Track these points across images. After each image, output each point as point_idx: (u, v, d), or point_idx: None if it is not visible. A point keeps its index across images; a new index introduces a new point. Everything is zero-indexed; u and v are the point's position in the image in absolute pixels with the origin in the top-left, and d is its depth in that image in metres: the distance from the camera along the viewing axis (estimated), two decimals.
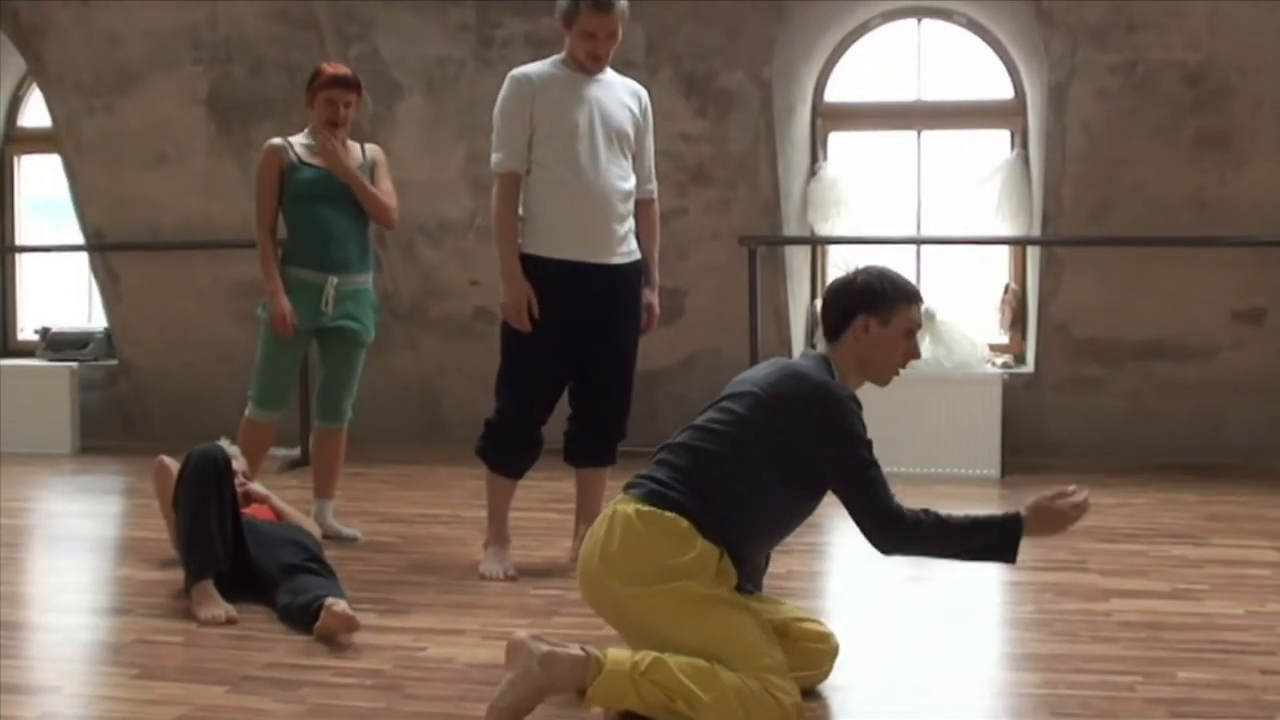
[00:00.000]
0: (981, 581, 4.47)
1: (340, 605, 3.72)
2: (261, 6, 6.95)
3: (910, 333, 3.27)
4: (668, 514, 3.06)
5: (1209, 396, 6.63)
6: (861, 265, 3.37)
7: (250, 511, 4.47)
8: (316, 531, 4.76)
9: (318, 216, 5.03)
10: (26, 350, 8.16)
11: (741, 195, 6.78)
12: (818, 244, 7.18)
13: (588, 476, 4.76)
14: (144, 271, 7.57)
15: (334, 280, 5.04)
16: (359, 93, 5.13)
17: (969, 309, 7.04)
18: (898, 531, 3.06)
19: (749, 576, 3.25)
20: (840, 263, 7.05)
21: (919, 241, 7.18)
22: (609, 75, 4.60)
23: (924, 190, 7.20)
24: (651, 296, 4.70)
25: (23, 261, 8.46)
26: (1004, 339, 7.13)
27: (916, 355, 3.33)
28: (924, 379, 6.37)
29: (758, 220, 6.77)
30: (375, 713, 3.16)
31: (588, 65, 4.51)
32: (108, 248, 7.62)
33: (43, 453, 7.32)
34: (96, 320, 8.12)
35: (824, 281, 7.31)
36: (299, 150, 5.07)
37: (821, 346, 3.36)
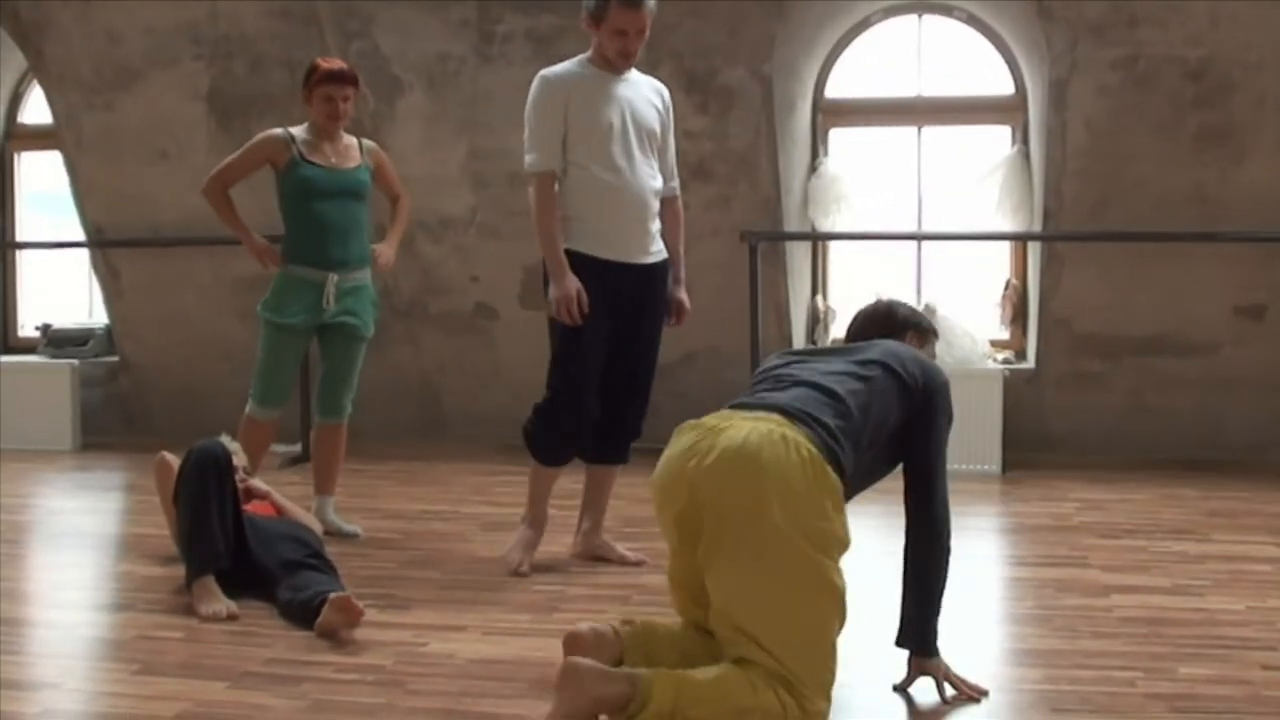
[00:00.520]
0: (982, 578, 4.47)
1: (344, 594, 3.72)
2: (262, 3, 6.95)
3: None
4: (833, 474, 2.94)
5: (1210, 392, 6.63)
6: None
7: (251, 508, 4.48)
8: (317, 527, 4.76)
9: (318, 214, 5.04)
10: (27, 347, 8.16)
11: (742, 191, 6.78)
12: (819, 240, 7.18)
13: (600, 473, 4.76)
14: (145, 268, 7.57)
15: (334, 278, 5.04)
16: (356, 87, 5.13)
17: (970, 305, 7.04)
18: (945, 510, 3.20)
19: None
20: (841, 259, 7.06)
21: (920, 237, 7.18)
22: (633, 74, 4.59)
23: (925, 186, 7.20)
24: (681, 293, 4.68)
25: (23, 258, 8.45)
26: (1005, 335, 7.13)
27: None
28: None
29: (759, 216, 6.77)
30: (376, 708, 3.16)
31: (617, 63, 4.48)
32: (108, 244, 7.63)
33: (44, 449, 7.32)
34: (97, 317, 8.12)
35: (825, 277, 7.32)
36: (301, 146, 5.06)
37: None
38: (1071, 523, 5.31)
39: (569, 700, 2.76)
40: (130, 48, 7.20)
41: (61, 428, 7.49)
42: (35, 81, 7.93)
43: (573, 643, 3.00)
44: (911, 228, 7.20)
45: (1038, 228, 6.73)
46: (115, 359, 7.90)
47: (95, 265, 7.80)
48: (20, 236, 8.40)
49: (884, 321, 3.52)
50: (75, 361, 7.66)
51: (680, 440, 3.04)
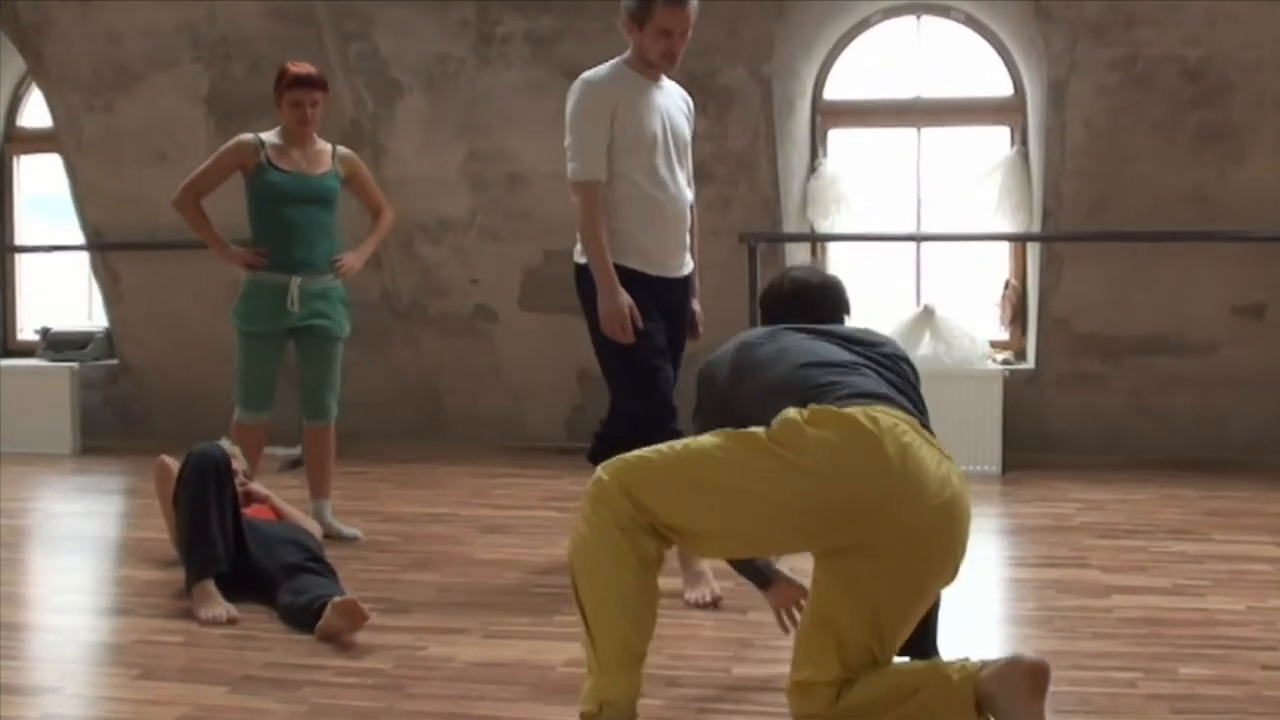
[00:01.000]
0: (982, 579, 4.47)
1: (350, 598, 3.72)
2: (261, 5, 6.95)
3: None
4: None
5: (1209, 392, 6.63)
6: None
7: (251, 511, 4.48)
8: (317, 531, 4.76)
9: (285, 218, 5.06)
10: (27, 350, 8.16)
11: (741, 192, 6.77)
12: (818, 241, 7.17)
13: None
14: (144, 271, 7.57)
15: (297, 280, 5.05)
16: (325, 91, 5.12)
17: (969, 305, 7.04)
18: None
19: None
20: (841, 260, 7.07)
21: (919, 238, 7.18)
22: (664, 80, 4.45)
23: (924, 187, 7.20)
24: (697, 305, 4.60)
25: (23, 261, 8.45)
26: (1004, 335, 7.13)
27: None
28: (924, 376, 6.30)
29: (758, 217, 6.77)
30: (376, 712, 3.16)
31: (661, 65, 4.32)
32: (108, 247, 7.62)
33: (43, 452, 7.32)
34: (97, 320, 8.12)
35: None
36: (270, 151, 5.08)
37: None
38: (1071, 523, 5.31)
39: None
40: (129, 50, 7.20)
41: (61, 431, 7.49)
42: (34, 84, 7.93)
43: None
44: (911, 229, 7.19)
45: (1037, 228, 6.73)
46: (115, 362, 7.90)
47: (95, 268, 7.80)
48: (20, 239, 8.40)
49: (842, 302, 3.48)
50: (75, 364, 7.66)
51: (875, 442, 2.77)
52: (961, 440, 6.31)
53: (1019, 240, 7.03)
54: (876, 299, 7.00)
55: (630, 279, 4.27)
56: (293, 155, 5.10)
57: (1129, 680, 3.35)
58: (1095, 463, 6.52)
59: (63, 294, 8.40)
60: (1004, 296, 7.13)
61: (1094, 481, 6.12)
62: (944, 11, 7.00)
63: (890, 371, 3.11)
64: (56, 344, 7.88)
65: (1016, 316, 7.10)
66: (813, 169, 7.13)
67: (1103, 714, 3.12)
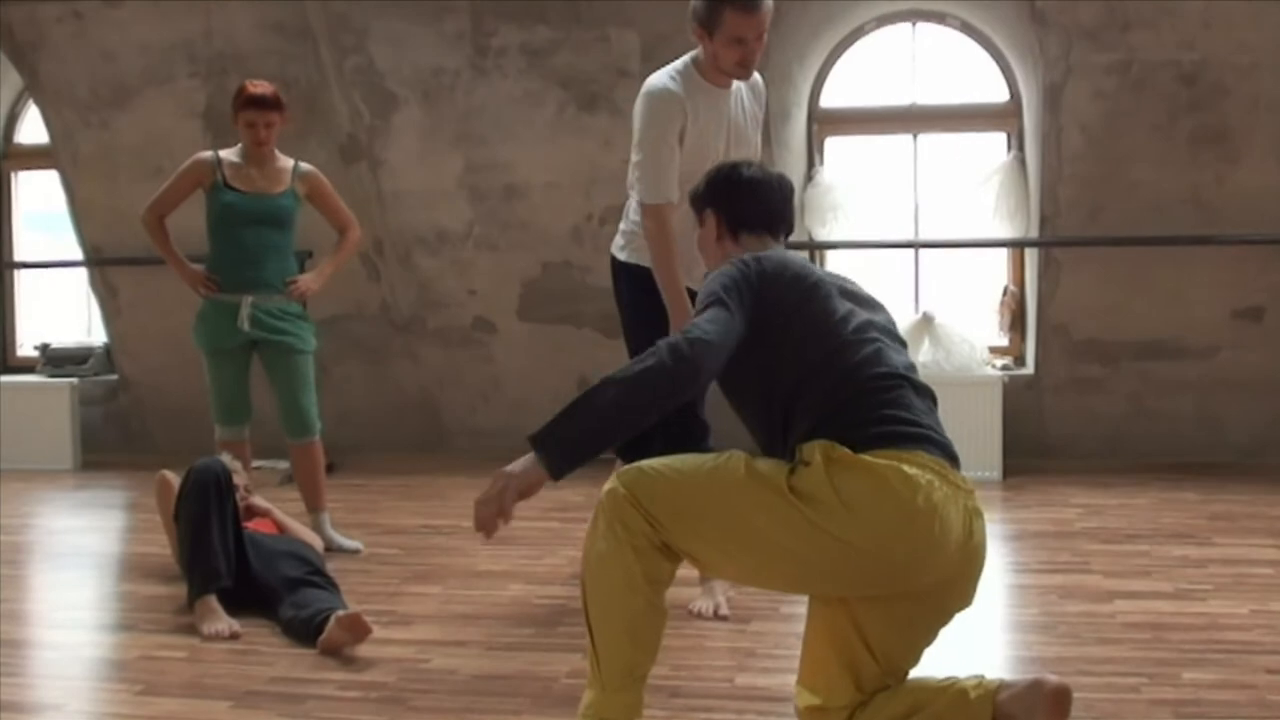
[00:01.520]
0: (984, 586, 4.45)
1: (353, 611, 3.72)
2: (256, 18, 6.95)
3: None
4: None
5: (1209, 395, 6.63)
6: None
7: (252, 525, 4.48)
8: (319, 544, 4.76)
9: (237, 237, 5.07)
10: (26, 366, 8.16)
11: None
12: (815, 249, 7.18)
13: None
14: (142, 286, 7.57)
15: (249, 299, 5.05)
16: (281, 111, 5.10)
17: (968, 312, 7.04)
18: None
19: None
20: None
21: (917, 245, 7.18)
22: (732, 83, 4.15)
23: (921, 194, 7.20)
24: None
25: (21, 277, 8.45)
26: (1003, 341, 7.13)
27: None
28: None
29: None
30: None
31: (735, 74, 4.04)
32: (106, 263, 7.62)
33: (44, 468, 7.31)
34: (96, 335, 8.12)
35: None
36: (226, 170, 5.08)
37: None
38: (1073, 528, 5.31)
39: None
40: (125, 66, 7.21)
41: (61, 447, 7.48)
42: (31, 101, 7.93)
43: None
44: (908, 235, 7.19)
45: (1034, 233, 6.74)
46: (114, 377, 7.89)
47: (93, 284, 7.79)
48: (18, 256, 8.40)
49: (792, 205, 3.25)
50: (74, 380, 7.66)
51: (907, 508, 2.65)
52: (961, 447, 6.20)
53: (1017, 246, 7.04)
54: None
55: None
56: (250, 174, 5.10)
57: (1132, 685, 3.34)
58: (1096, 467, 6.51)
59: (62, 310, 8.40)
60: (1003, 302, 7.13)
61: (1095, 486, 6.12)
62: (939, 18, 7.02)
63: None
64: (56, 360, 7.88)
65: (1015, 322, 7.11)
66: (809, 177, 7.14)
67: (1107, 719, 3.11)
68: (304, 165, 5.26)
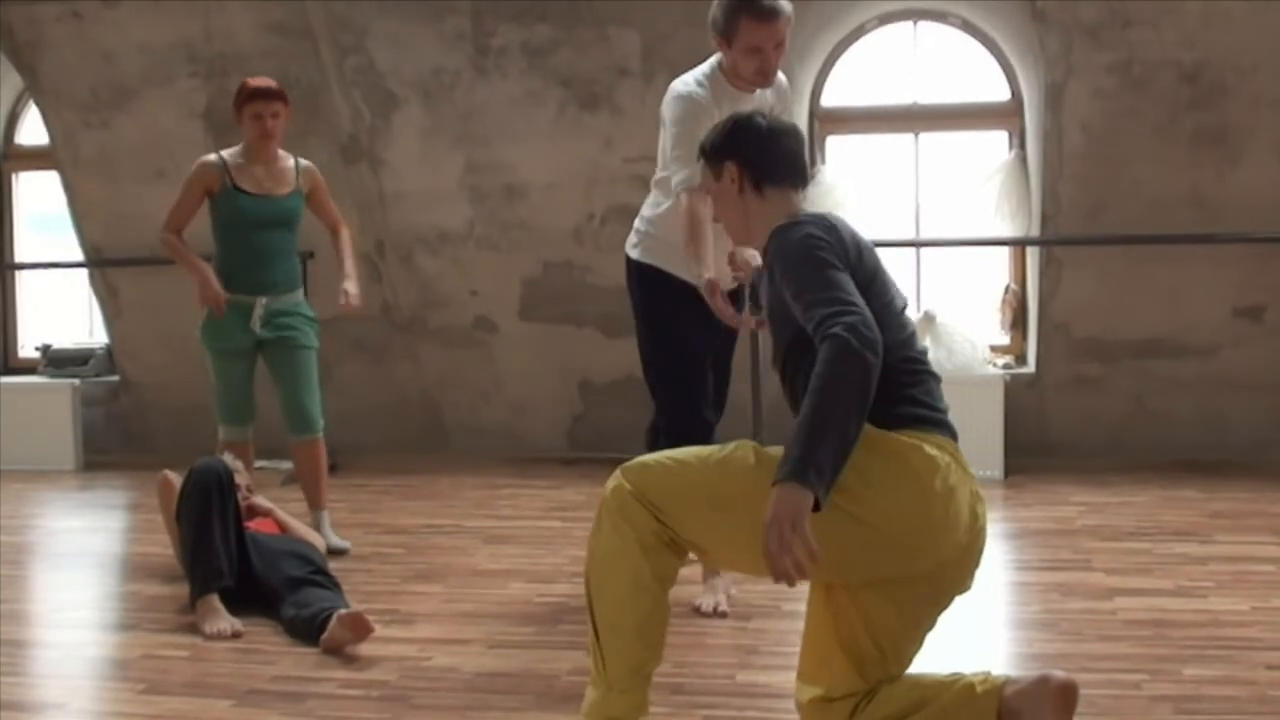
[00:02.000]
0: (986, 583, 4.46)
1: (355, 610, 3.73)
2: (256, 19, 6.96)
3: None
4: None
5: (1210, 394, 6.63)
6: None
7: (254, 525, 4.48)
8: (321, 544, 4.76)
9: (251, 242, 5.06)
10: (28, 368, 8.16)
11: None
12: None
13: None
14: (143, 287, 7.57)
15: (263, 300, 5.06)
16: (286, 103, 5.11)
17: (969, 310, 7.04)
18: None
19: None
20: None
21: (918, 244, 7.18)
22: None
23: (922, 193, 7.21)
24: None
25: (22, 279, 8.46)
26: (1004, 340, 7.13)
27: None
28: None
29: None
30: None
31: (755, 83, 4.06)
32: (107, 263, 7.63)
33: (46, 469, 7.31)
34: (97, 336, 8.13)
35: None
36: (233, 172, 5.06)
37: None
38: (1074, 526, 5.31)
39: None
40: (125, 66, 7.21)
41: (63, 447, 7.48)
42: (31, 101, 7.94)
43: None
44: (910, 234, 7.20)
45: (1036, 232, 6.74)
46: (116, 378, 7.90)
47: (94, 285, 7.80)
48: (19, 257, 8.41)
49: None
50: (76, 381, 7.66)
51: (966, 477, 2.72)
52: (963, 445, 6.30)
53: (1018, 245, 7.03)
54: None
55: (681, 287, 4.13)
56: (256, 174, 5.09)
57: (1134, 682, 3.35)
58: (1097, 466, 6.51)
59: (63, 311, 8.41)
60: (1004, 301, 7.13)
61: (1096, 484, 6.13)
62: (940, 17, 7.02)
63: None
64: (57, 361, 7.88)
65: (1016, 321, 7.11)
66: (811, 176, 7.14)
67: (1108, 715, 3.12)
68: (304, 161, 5.27)
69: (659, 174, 4.27)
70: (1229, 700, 3.21)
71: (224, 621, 3.97)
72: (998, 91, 7.05)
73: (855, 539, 2.61)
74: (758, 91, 4.16)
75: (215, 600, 4.04)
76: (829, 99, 7.21)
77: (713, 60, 4.14)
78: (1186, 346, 6.61)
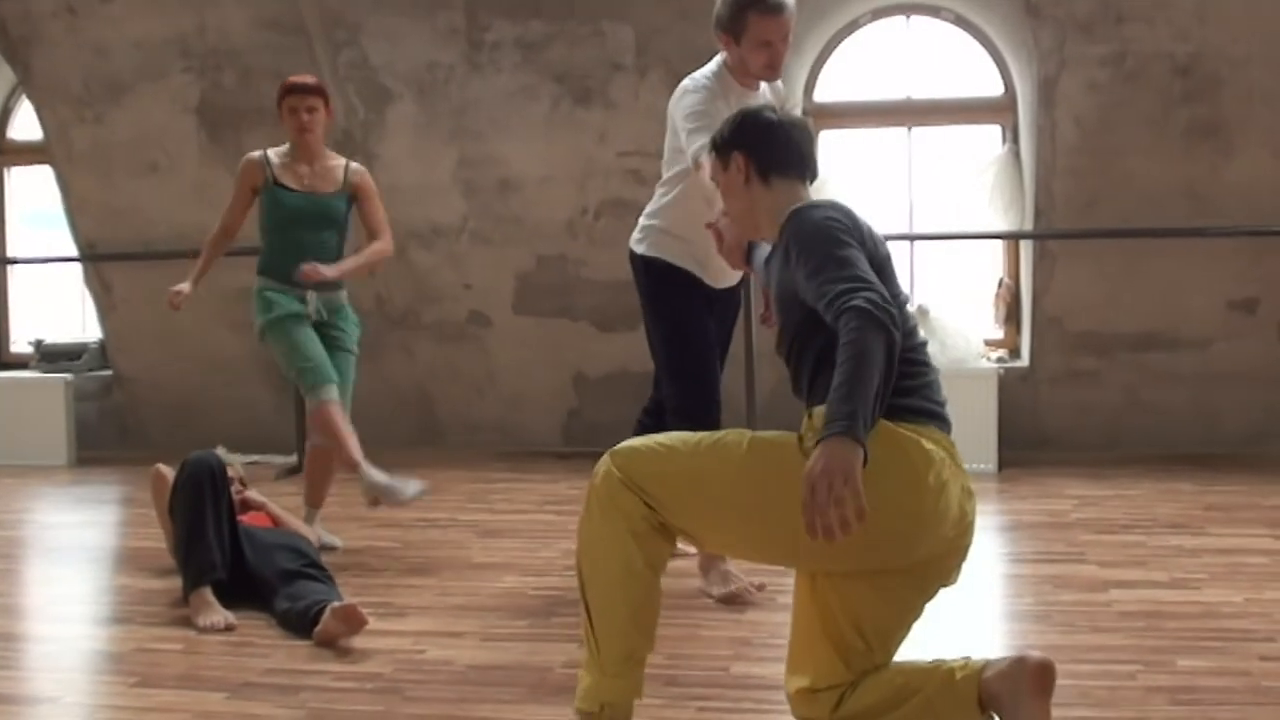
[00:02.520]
0: (979, 576, 4.47)
1: (348, 603, 3.72)
2: (250, 14, 6.95)
3: None
4: None
5: (1204, 387, 6.64)
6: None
7: (247, 519, 4.47)
8: (314, 537, 4.76)
9: (293, 239, 4.99)
10: (20, 362, 8.15)
11: None
12: None
13: None
14: (137, 281, 7.56)
15: (313, 295, 4.99)
16: (324, 98, 5.07)
17: (963, 304, 7.04)
18: None
19: None
20: None
21: (912, 238, 7.18)
22: (761, 85, 4.24)
23: (916, 187, 7.20)
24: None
25: (15, 273, 8.45)
26: (998, 333, 7.13)
27: None
28: None
29: None
30: (375, 716, 3.16)
31: (764, 76, 4.12)
32: (100, 258, 7.62)
33: (39, 464, 7.30)
34: (90, 331, 8.12)
35: None
36: (276, 169, 5.03)
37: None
38: (1068, 519, 5.31)
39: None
40: (119, 61, 7.19)
41: (56, 443, 7.47)
42: (25, 97, 7.92)
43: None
44: (903, 229, 7.19)
45: (1029, 226, 6.74)
46: (109, 373, 7.89)
47: (87, 279, 7.79)
48: (12, 252, 8.39)
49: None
50: (69, 376, 7.64)
51: (958, 473, 2.73)
52: (957, 439, 6.29)
53: (1012, 239, 7.04)
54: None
55: (686, 279, 4.20)
56: (299, 171, 5.04)
57: (1128, 673, 3.35)
58: (1091, 459, 6.52)
59: (56, 306, 8.40)
60: (998, 295, 7.14)
61: (1090, 478, 6.13)
62: (933, 11, 7.01)
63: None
64: (50, 356, 7.87)
65: (1010, 315, 7.11)
66: (818, 169, 7.12)
67: (1103, 706, 3.12)
68: (355, 164, 5.22)
69: (665, 174, 4.30)
70: (1223, 691, 3.20)
71: (217, 615, 3.97)
72: (991, 86, 7.05)
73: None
74: (762, 88, 4.21)
75: (208, 593, 4.04)
76: (822, 94, 7.21)
77: (717, 60, 4.17)
78: (1180, 340, 6.61)
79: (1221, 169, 6.35)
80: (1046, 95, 6.38)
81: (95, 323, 7.94)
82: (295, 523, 4.73)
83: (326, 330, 5.06)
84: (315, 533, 5.02)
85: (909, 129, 7.19)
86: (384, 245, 5.19)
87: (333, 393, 4.88)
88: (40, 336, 8.02)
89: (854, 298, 2.52)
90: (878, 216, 6.83)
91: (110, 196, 7.48)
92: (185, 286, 5.12)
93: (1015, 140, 6.95)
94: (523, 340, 7.22)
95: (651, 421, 4.40)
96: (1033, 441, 6.75)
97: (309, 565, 4.17)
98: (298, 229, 5.00)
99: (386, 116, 6.97)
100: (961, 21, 6.98)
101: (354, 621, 3.70)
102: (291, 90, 5.01)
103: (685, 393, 4.23)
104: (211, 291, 7.36)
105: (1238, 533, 5.00)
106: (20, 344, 8.33)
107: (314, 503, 5.20)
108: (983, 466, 6.36)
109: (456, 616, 4.05)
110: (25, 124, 8.15)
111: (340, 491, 5.40)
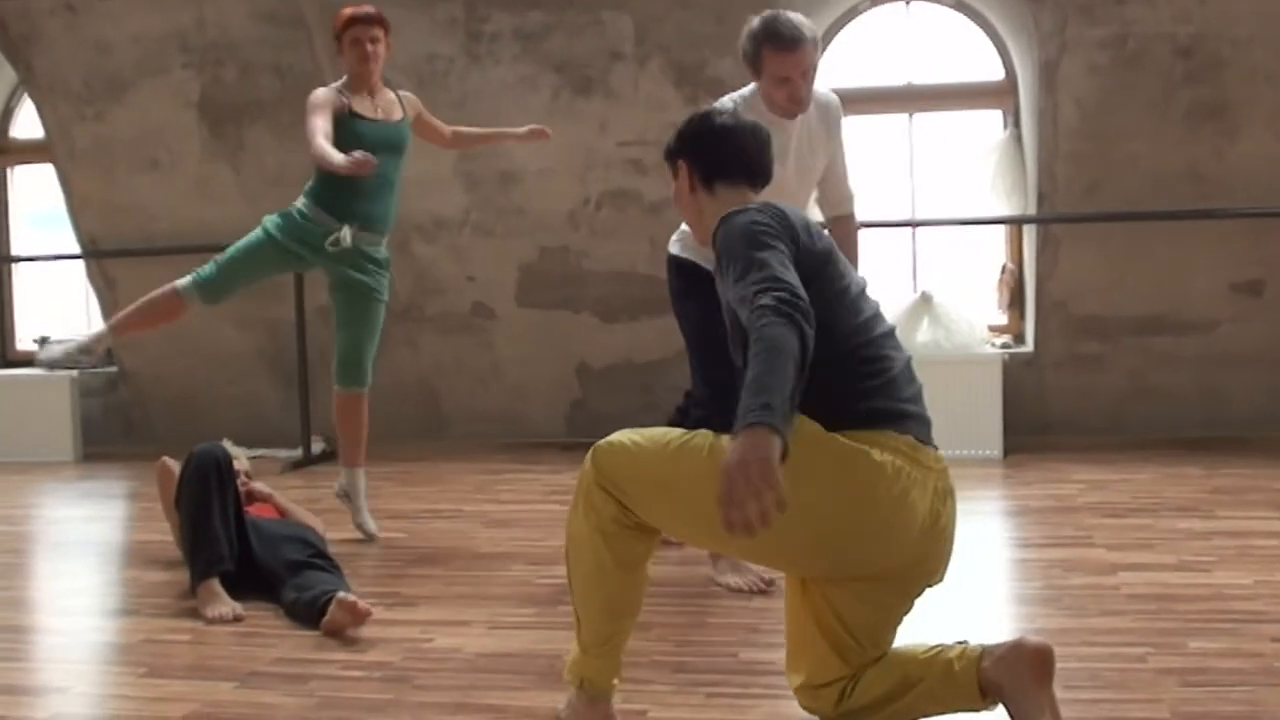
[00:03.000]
0: (987, 560, 4.47)
1: (350, 597, 3.72)
2: (249, 8, 6.94)
3: None
4: None
5: (1209, 370, 6.63)
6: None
7: (254, 510, 4.47)
8: (321, 528, 4.75)
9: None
10: (26, 360, 8.15)
11: None
12: None
13: None
14: (140, 278, 7.52)
15: (348, 231, 4.85)
16: (386, 29, 4.99)
17: (966, 290, 7.03)
18: None
19: None
20: None
21: (914, 224, 7.17)
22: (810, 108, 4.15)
23: (918, 173, 7.19)
24: None
25: (19, 271, 8.45)
26: (1003, 319, 7.12)
27: None
28: (923, 361, 6.21)
29: None
30: (384, 704, 3.15)
31: (788, 110, 4.01)
32: (103, 255, 7.62)
33: (45, 460, 7.31)
34: (95, 328, 8.10)
35: None
36: (350, 100, 4.92)
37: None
38: (1075, 503, 5.30)
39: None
40: (119, 58, 7.19)
41: (62, 439, 7.48)
42: (26, 95, 7.92)
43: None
44: (906, 215, 7.19)
45: (1032, 211, 6.73)
46: (114, 369, 7.89)
47: (91, 276, 7.79)
48: (15, 250, 8.39)
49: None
50: (74, 373, 7.65)
51: (923, 476, 2.67)
52: (962, 425, 6.33)
53: (1015, 223, 7.03)
54: (873, 286, 6.98)
55: (709, 278, 4.17)
56: (368, 102, 4.96)
57: (1139, 655, 3.34)
58: (1097, 444, 6.51)
59: (60, 303, 8.40)
60: (1001, 280, 7.13)
61: (1096, 462, 6.12)
62: None
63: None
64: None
65: (1014, 300, 7.10)
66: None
67: (1114, 688, 3.11)
68: (405, 93, 5.20)
69: None
70: (1235, 673, 3.19)
71: (225, 605, 3.96)
72: (992, 70, 7.04)
73: (796, 541, 2.60)
74: (800, 119, 4.09)
75: (216, 585, 4.03)
76: (823, 81, 7.17)
77: (753, 84, 4.11)
78: (1185, 323, 6.60)
79: (1225, 151, 6.33)
80: (1048, 79, 6.36)
81: (99, 319, 7.94)
82: (302, 513, 4.73)
83: (362, 279, 4.96)
84: (356, 508, 4.98)
85: (910, 115, 7.18)
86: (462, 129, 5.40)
87: (192, 298, 4.86)
88: (45, 334, 8.02)
89: (763, 297, 2.49)
90: (880, 203, 6.94)
91: (112, 193, 7.48)
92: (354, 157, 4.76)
93: (1017, 124, 6.94)
94: (526, 332, 7.22)
95: (684, 409, 4.45)
96: (1038, 426, 6.74)
97: (316, 556, 4.16)
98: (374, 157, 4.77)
99: None
100: (961, 6, 6.97)
101: (356, 613, 3.70)
102: (355, 20, 4.92)
103: (707, 389, 4.22)
104: None
105: (1246, 515, 4.99)
106: (25, 342, 8.33)
107: (354, 461, 5.06)
108: (988, 452, 6.35)
109: (464, 605, 4.04)
110: (27, 122, 8.15)
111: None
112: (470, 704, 3.14)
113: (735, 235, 2.70)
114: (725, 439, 2.63)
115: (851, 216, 4.32)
